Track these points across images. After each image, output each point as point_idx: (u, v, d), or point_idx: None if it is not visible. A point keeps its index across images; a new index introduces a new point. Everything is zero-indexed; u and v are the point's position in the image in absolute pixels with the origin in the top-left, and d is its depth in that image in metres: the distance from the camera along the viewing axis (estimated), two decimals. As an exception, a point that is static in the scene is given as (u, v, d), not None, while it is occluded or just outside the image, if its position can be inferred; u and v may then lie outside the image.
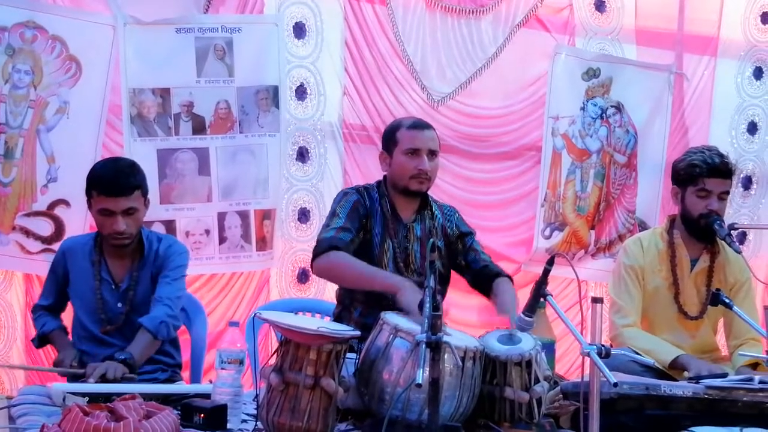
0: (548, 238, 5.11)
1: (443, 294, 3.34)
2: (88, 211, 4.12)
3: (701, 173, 3.60)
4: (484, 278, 3.37)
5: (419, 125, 3.37)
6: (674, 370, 3.48)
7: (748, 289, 3.73)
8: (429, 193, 3.44)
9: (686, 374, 3.38)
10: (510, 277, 3.40)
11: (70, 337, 3.41)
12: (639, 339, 3.60)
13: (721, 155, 3.63)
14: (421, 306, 2.46)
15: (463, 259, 3.45)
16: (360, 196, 3.34)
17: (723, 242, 3.63)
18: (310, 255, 4.69)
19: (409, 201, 3.38)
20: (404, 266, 3.32)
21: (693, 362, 3.43)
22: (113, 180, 3.22)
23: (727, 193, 3.65)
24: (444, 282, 3.40)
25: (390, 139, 3.37)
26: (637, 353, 3.45)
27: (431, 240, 2.53)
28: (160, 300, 3.30)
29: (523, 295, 3.03)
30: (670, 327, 3.68)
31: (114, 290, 3.34)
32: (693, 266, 3.70)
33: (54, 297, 3.44)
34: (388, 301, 2.96)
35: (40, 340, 3.42)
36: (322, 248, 3.20)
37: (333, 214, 3.30)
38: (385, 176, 3.43)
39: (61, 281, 3.41)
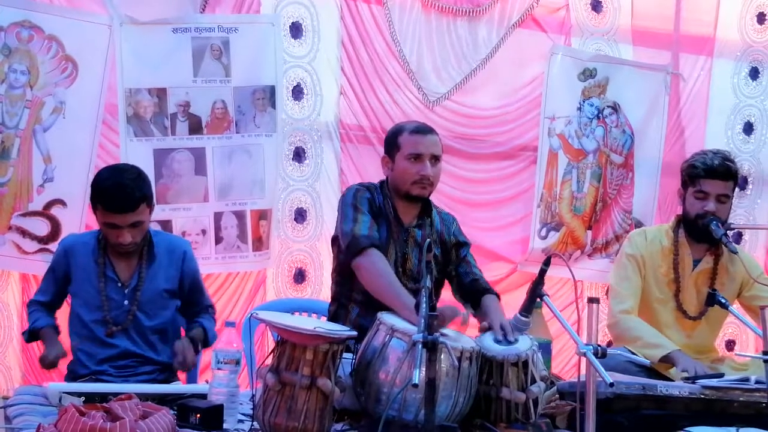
0: (544, 238, 5.11)
1: (436, 297, 3.32)
2: (84, 211, 4.16)
3: (699, 174, 3.62)
4: (473, 293, 3.31)
5: (422, 130, 3.31)
6: (661, 364, 3.49)
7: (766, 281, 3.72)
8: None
9: (678, 372, 3.39)
10: (498, 295, 3.32)
11: (61, 335, 3.40)
12: (634, 327, 3.61)
13: (724, 158, 3.64)
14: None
15: (454, 270, 3.39)
16: (371, 194, 3.30)
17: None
18: (307, 255, 4.79)
19: (411, 205, 3.34)
20: (402, 271, 3.29)
21: (682, 359, 3.43)
22: (118, 196, 3.19)
23: (727, 196, 3.64)
24: (437, 287, 3.38)
25: (392, 143, 3.32)
26: (634, 353, 3.47)
27: (428, 240, 2.53)
28: (209, 314, 3.55)
29: (520, 296, 3.03)
30: (668, 324, 3.69)
31: (120, 288, 3.34)
32: (695, 266, 3.71)
33: (51, 295, 3.42)
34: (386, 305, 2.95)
35: (30, 335, 3.40)
36: (363, 245, 3.11)
37: (355, 208, 3.21)
38: (386, 178, 3.41)
39: (60, 280, 3.40)
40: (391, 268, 3.14)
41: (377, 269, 3.09)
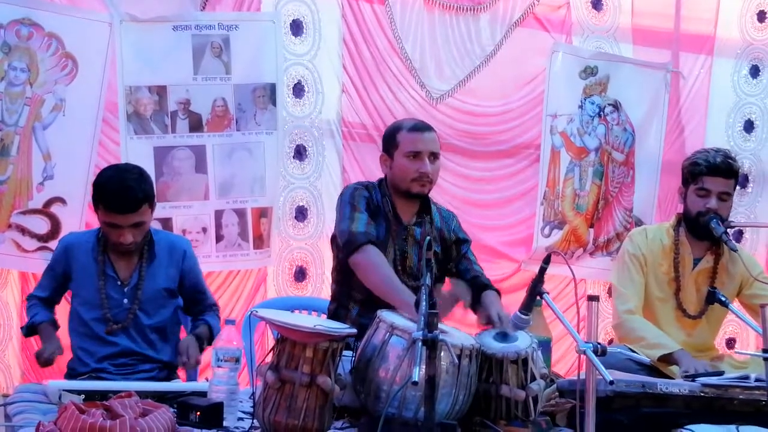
0: (548, 236, 5.11)
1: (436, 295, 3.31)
2: (84, 209, 4.16)
3: (701, 172, 3.62)
4: (473, 289, 3.28)
5: (420, 127, 3.33)
6: (661, 363, 3.49)
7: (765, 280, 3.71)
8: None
9: (680, 371, 3.38)
10: (498, 291, 3.32)
11: (60, 333, 3.40)
12: (638, 327, 3.60)
13: (725, 156, 3.64)
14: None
15: (454, 266, 3.40)
16: (369, 193, 3.31)
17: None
18: (307, 253, 4.79)
19: (410, 203, 3.35)
20: (401, 269, 3.29)
21: (685, 358, 3.43)
22: (121, 197, 3.19)
23: (728, 194, 3.64)
24: (437, 284, 3.37)
25: (390, 141, 3.33)
26: (634, 351, 3.47)
27: (428, 238, 2.53)
28: (214, 311, 3.55)
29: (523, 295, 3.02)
30: (668, 322, 3.69)
31: (120, 287, 3.34)
32: (695, 265, 3.71)
33: (50, 291, 3.43)
34: (386, 303, 2.95)
35: (29, 330, 3.40)
36: (360, 241, 3.13)
37: (353, 207, 3.23)
38: (385, 177, 3.41)
39: (60, 278, 3.40)
40: (389, 263, 3.15)
41: (374, 264, 3.11)
